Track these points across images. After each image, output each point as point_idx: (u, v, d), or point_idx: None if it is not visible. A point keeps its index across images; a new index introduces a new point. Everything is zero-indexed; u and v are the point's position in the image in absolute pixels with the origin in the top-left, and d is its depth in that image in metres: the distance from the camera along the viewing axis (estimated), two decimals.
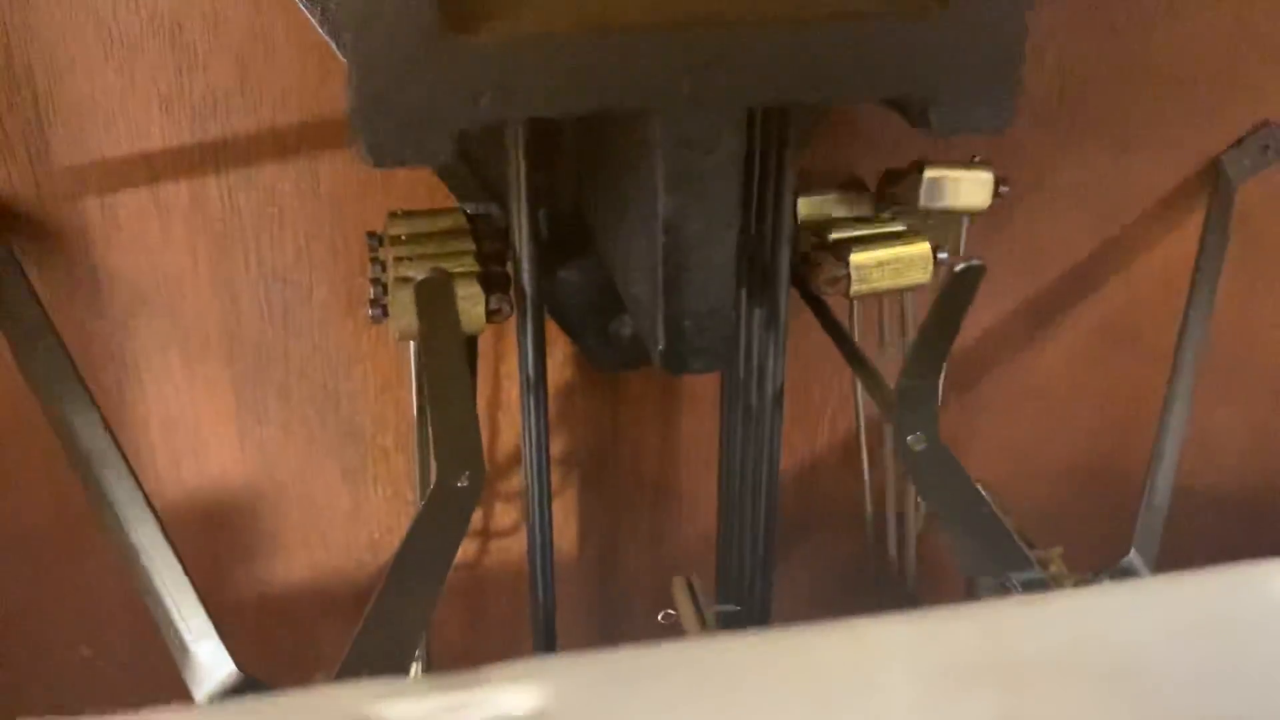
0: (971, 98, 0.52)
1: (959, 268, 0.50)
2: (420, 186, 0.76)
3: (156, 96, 0.70)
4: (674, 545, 0.94)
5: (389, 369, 0.82)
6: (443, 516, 0.56)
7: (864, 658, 0.35)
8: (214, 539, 0.86)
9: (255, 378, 0.81)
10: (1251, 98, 0.85)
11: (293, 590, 0.89)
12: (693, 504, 0.92)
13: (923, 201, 0.68)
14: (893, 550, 0.87)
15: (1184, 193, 0.88)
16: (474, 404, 0.52)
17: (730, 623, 0.72)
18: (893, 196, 0.71)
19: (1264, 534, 1.04)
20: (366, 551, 0.89)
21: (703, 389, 0.86)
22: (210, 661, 0.61)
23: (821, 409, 0.91)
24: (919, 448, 0.61)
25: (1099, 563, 0.80)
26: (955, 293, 0.51)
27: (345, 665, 0.60)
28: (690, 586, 0.69)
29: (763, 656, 0.34)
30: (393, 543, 0.89)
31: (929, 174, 0.68)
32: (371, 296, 0.65)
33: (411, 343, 0.72)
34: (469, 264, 0.65)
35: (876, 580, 0.90)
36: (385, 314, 0.64)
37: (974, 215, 0.71)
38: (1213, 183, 0.86)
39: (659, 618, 0.69)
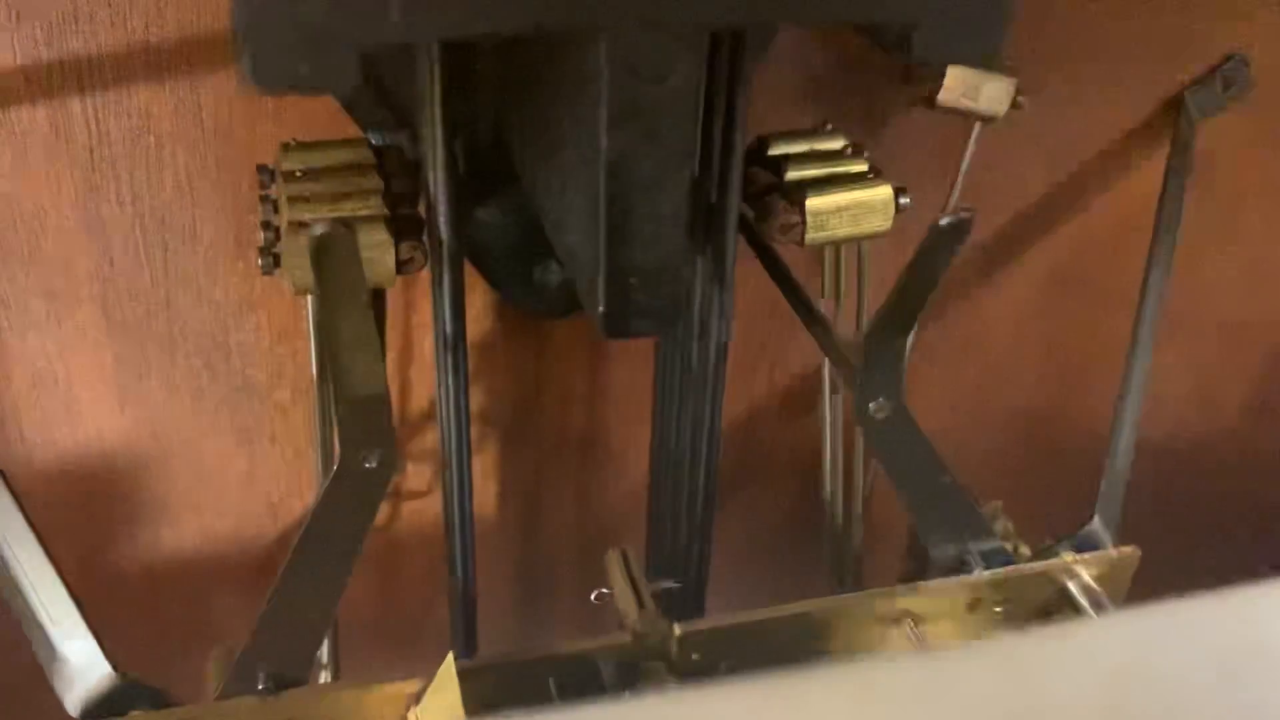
0: (959, 22, 0.45)
1: (944, 220, 0.44)
2: (319, 113, 0.67)
3: (3, 3, 0.60)
4: (601, 505, 0.88)
5: (285, 317, 0.74)
6: (348, 500, 0.49)
7: (872, 706, 0.29)
8: (93, 507, 0.77)
9: (134, 328, 0.71)
10: (1218, 30, 0.80)
11: (183, 561, 0.81)
12: (621, 461, 0.86)
13: (941, 98, 0.68)
14: (839, 509, 0.82)
15: (1144, 131, 0.83)
16: (384, 374, 0.45)
17: (669, 600, 0.66)
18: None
19: (1205, 482, 1.02)
20: (265, 516, 0.81)
21: (636, 339, 0.79)
22: (83, 663, 0.53)
23: (760, 358, 0.85)
24: (881, 415, 0.55)
25: (1047, 516, 0.76)
26: (938, 247, 0.45)
27: (244, 659, 0.53)
28: (625, 560, 0.62)
29: (755, 710, 0.28)
30: (294, 506, 0.81)
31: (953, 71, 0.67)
32: (261, 243, 0.56)
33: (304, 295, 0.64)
34: (376, 205, 0.56)
35: (822, 538, 0.85)
36: (277, 264, 0.56)
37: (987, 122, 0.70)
38: (1175, 120, 0.81)
39: (592, 597, 0.62)
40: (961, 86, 0.67)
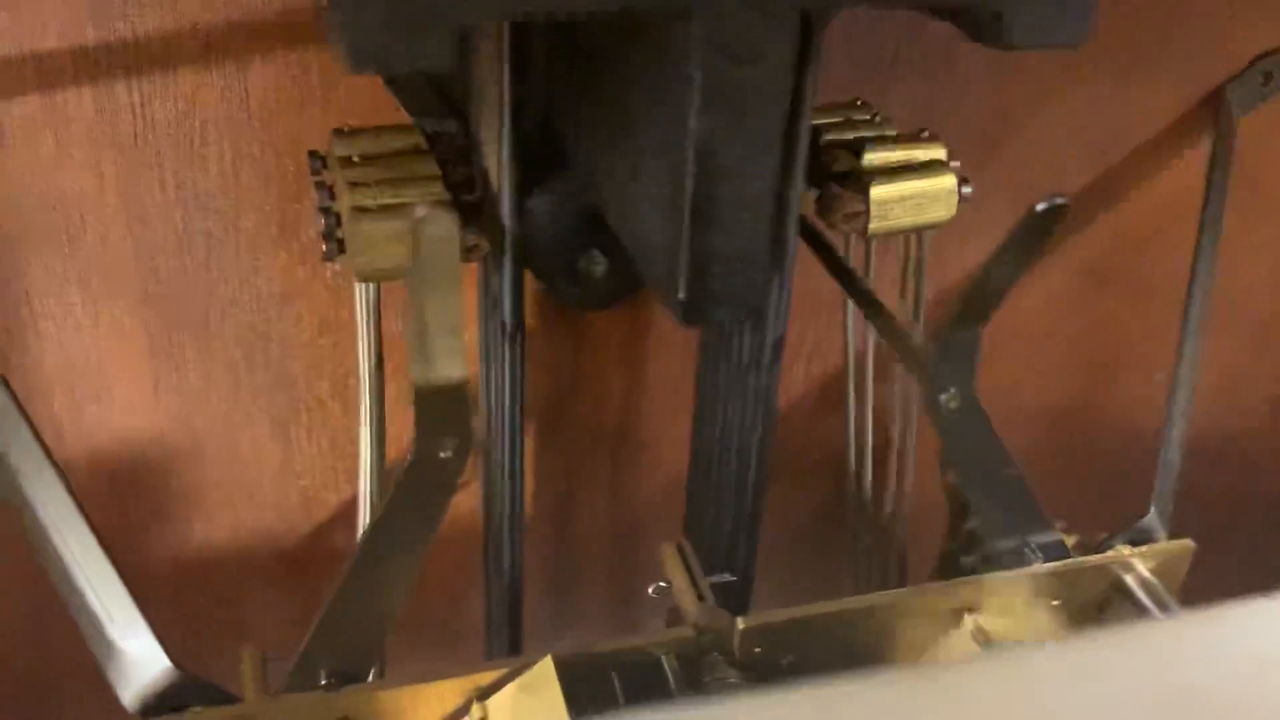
0: (1049, 6, 0.45)
1: (1042, 206, 0.43)
2: (365, 100, 0.66)
3: None
4: (635, 498, 0.87)
5: (326, 308, 0.72)
6: (422, 491, 0.48)
7: (1015, 694, 0.28)
8: (124, 498, 0.76)
9: (172, 317, 0.70)
10: (1261, 23, 0.80)
11: (215, 554, 0.79)
12: (656, 454, 0.85)
13: (874, 228, 0.59)
14: (889, 505, 0.82)
15: (1183, 125, 0.83)
16: (464, 362, 0.44)
17: (724, 594, 0.66)
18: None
19: (1232, 478, 1.02)
20: (299, 511, 0.80)
21: (674, 330, 0.79)
22: (140, 657, 0.52)
23: (798, 347, 0.84)
24: (953, 405, 0.54)
25: (1081, 511, 0.76)
26: (1031, 234, 0.45)
27: (306, 654, 0.52)
28: (683, 553, 0.62)
29: (898, 703, 0.27)
30: (328, 500, 0.80)
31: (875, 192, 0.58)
32: (323, 229, 0.55)
33: (362, 283, 0.62)
34: (438, 192, 0.55)
35: (856, 531, 0.84)
36: (341, 249, 0.55)
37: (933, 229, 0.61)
38: (1215, 114, 0.81)
39: (650, 591, 0.61)
40: (892, 205, 0.58)
